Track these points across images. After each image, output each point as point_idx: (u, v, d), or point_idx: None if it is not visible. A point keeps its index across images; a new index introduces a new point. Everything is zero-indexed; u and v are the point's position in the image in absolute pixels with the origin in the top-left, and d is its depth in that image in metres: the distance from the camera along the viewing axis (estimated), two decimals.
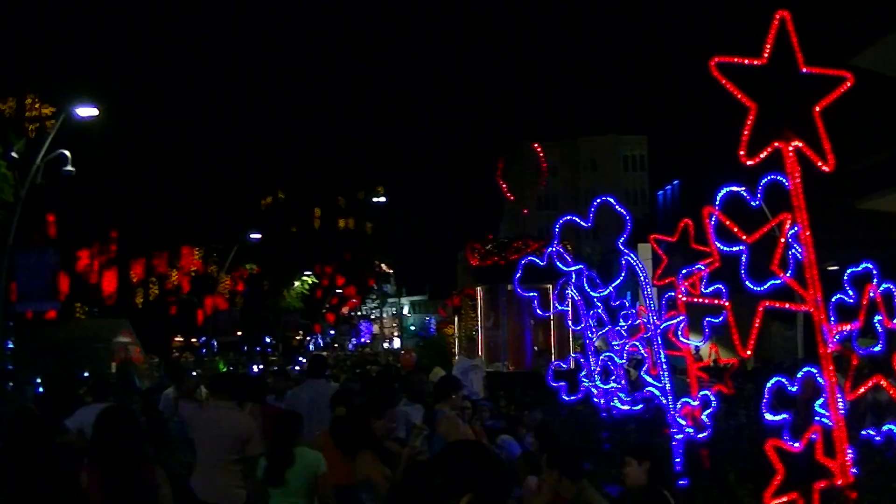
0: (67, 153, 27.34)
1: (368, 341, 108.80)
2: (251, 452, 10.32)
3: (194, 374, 38.30)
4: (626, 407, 16.58)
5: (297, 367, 22.12)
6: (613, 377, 17.44)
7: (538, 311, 22.68)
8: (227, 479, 10.35)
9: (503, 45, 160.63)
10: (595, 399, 18.05)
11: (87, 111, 27.84)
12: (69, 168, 27.51)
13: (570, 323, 21.44)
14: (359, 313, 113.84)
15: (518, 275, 20.57)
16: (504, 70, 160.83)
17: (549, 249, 17.77)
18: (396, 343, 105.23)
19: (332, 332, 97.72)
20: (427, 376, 18.67)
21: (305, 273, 73.19)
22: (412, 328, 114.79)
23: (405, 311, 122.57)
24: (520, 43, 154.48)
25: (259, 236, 57.23)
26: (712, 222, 10.50)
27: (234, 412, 11.01)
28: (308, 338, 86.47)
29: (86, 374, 33.68)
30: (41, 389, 24.31)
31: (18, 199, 27.20)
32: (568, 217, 17.29)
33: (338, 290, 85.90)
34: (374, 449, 8.51)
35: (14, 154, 27.89)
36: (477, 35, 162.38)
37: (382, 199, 78.48)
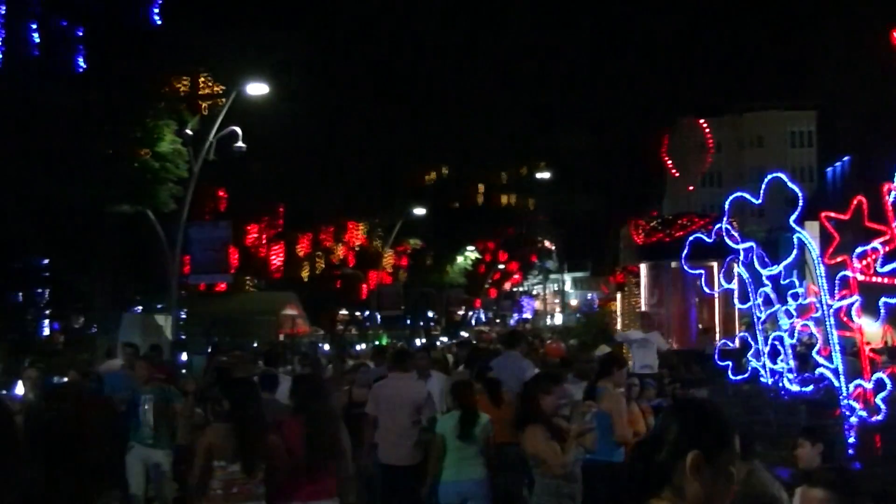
0: (238, 130, 27.90)
1: (530, 317, 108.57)
2: (425, 416, 11.98)
3: (359, 348, 38.95)
4: (795, 388, 16.22)
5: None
6: (782, 357, 17.07)
7: (705, 288, 22.44)
8: (407, 441, 11.90)
9: (667, 16, 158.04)
10: (762, 379, 17.73)
11: (257, 88, 28.34)
12: (240, 144, 28.08)
13: (736, 301, 21.12)
14: (521, 289, 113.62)
15: (685, 252, 20.40)
16: (667, 43, 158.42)
17: (718, 226, 17.55)
18: (558, 319, 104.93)
19: (495, 307, 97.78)
20: (592, 353, 18.62)
21: (468, 248, 73.49)
22: (574, 304, 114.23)
23: (567, 287, 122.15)
24: (684, 15, 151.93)
25: (423, 212, 57.63)
26: (891, 199, 10.19)
27: (412, 382, 12.73)
28: (470, 313, 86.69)
29: (255, 345, 34.50)
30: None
31: (192, 175, 27.87)
32: (738, 193, 17.09)
33: (500, 266, 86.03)
34: (543, 424, 8.55)
35: (188, 131, 28.58)
36: (639, 7, 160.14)
37: (546, 174, 78.12)
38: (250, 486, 8.60)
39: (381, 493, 12.30)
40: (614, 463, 10.44)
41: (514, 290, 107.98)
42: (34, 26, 29.22)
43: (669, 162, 41.67)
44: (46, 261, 34.66)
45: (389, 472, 12.08)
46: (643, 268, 34.46)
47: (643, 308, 31.89)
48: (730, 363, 18.53)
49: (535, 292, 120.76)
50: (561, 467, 8.41)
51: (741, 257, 17.85)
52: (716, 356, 19.48)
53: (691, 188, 47.37)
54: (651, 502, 3.41)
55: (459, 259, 73.10)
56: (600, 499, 9.61)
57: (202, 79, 33.10)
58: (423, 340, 53.39)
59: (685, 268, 21.79)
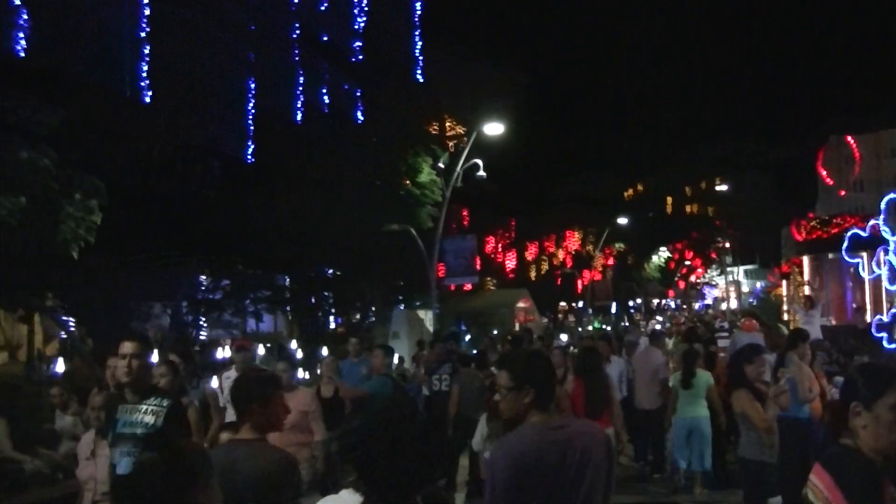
0: (479, 162, 28.19)
1: (711, 303, 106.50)
2: (661, 376, 13.74)
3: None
4: None
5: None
6: None
7: (862, 273, 22.08)
8: (654, 392, 13.76)
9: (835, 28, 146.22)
10: None
11: (494, 128, 28.47)
12: (481, 173, 28.36)
13: (885, 283, 20.71)
14: (703, 280, 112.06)
15: (845, 245, 20.09)
16: (814, 59, 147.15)
17: (874, 222, 17.37)
18: (733, 304, 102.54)
19: (683, 296, 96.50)
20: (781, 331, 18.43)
21: (662, 249, 73.49)
22: (746, 291, 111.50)
23: (740, 277, 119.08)
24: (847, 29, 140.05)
25: (625, 221, 57.37)
26: None
27: (657, 352, 14.40)
28: (664, 302, 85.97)
29: (495, 332, 34.72)
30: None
31: (444, 199, 28.34)
32: (892, 195, 16.91)
33: (686, 263, 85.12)
34: (748, 388, 8.46)
35: (441, 164, 29.17)
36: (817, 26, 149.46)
37: (724, 187, 76.81)
38: None
39: (635, 428, 13.81)
40: (800, 419, 10.31)
41: (698, 281, 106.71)
42: (324, 90, 30.53)
43: (825, 172, 40.80)
44: (331, 270, 35.77)
45: (641, 414, 13.93)
46: (805, 259, 34.72)
47: (807, 292, 31.48)
48: (884, 335, 18.24)
49: (714, 283, 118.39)
50: (763, 422, 8.30)
51: (891, 247, 17.62)
52: (872, 329, 19.20)
53: (843, 193, 46.42)
54: (840, 442, 3.57)
55: (655, 258, 72.95)
56: (791, 446, 9.44)
57: (448, 122, 33.78)
58: (627, 324, 52.89)
59: (846, 258, 21.40)
